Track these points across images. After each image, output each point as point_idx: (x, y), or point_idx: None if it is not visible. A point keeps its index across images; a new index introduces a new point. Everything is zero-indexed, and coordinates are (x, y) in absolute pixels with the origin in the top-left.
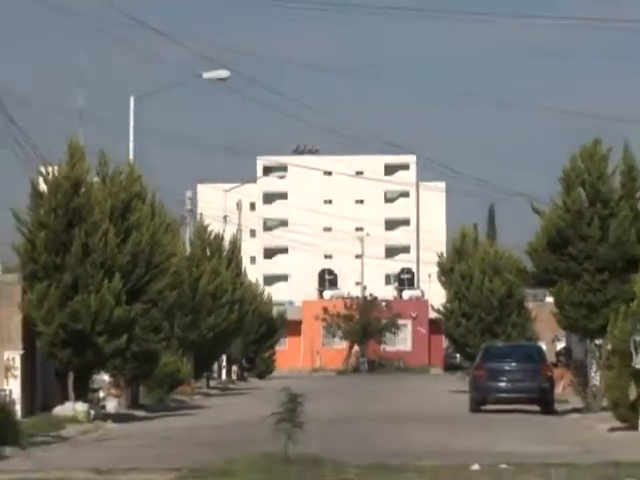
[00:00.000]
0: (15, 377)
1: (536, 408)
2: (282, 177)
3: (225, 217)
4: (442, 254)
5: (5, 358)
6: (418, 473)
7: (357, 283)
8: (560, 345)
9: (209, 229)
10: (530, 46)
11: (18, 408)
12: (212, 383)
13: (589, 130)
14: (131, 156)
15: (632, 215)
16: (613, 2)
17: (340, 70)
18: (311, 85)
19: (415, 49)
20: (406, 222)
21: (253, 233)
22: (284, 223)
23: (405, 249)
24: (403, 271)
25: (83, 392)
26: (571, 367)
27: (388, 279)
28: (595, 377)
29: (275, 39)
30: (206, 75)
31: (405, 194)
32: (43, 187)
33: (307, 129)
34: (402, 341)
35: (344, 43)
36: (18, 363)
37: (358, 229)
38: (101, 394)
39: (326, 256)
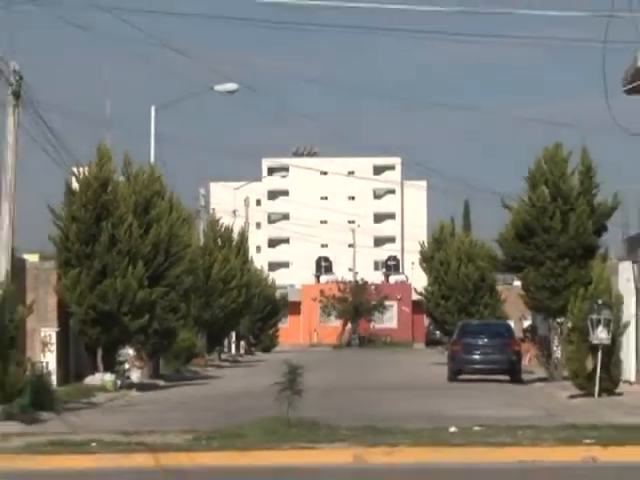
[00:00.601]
0: (51, 351)
1: (505, 378)
2: (284, 176)
3: (234, 212)
4: (423, 244)
5: (42, 335)
6: (403, 434)
7: (349, 269)
8: (526, 323)
9: (220, 222)
10: (503, 62)
11: (54, 378)
12: (223, 356)
13: (553, 135)
14: (152, 158)
15: (589, 210)
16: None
17: (334, 82)
18: (308, 96)
19: (402, 65)
20: (392, 216)
21: (259, 225)
22: (286, 217)
23: (391, 239)
24: (389, 259)
25: (110, 364)
26: (536, 342)
27: (376, 265)
28: (557, 351)
29: (276, 56)
30: (217, 88)
31: (391, 191)
32: (75, 186)
33: (306, 134)
34: (389, 319)
35: (337, 59)
36: (54, 339)
37: (350, 222)
38: (126, 366)
39: (322, 245)
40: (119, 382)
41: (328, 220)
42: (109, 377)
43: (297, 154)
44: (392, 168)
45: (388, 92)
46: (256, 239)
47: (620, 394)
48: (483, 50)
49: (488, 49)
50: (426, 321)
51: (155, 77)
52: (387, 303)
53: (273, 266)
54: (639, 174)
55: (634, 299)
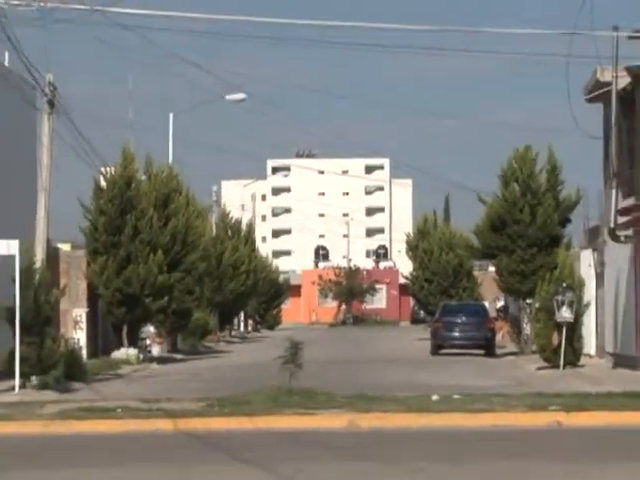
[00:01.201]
0: (82, 329)
1: (481, 352)
2: (286, 175)
3: (242, 206)
4: (409, 234)
5: (74, 315)
6: (392, 402)
7: (344, 256)
8: (499, 304)
9: (230, 215)
10: (481, 74)
11: (84, 353)
12: (233, 333)
13: (523, 138)
14: (170, 159)
15: (554, 204)
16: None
17: (330, 91)
18: (307, 103)
19: (392, 76)
20: (381, 210)
21: (264, 218)
22: (288, 210)
23: (381, 230)
24: (379, 247)
25: (134, 340)
26: (508, 321)
27: (368, 253)
28: (526, 328)
29: (277, 67)
30: (228, 97)
31: (381, 188)
32: (103, 183)
33: (305, 137)
34: (379, 301)
35: (335, 71)
36: (84, 318)
37: (345, 215)
38: (148, 342)
39: (320, 236)
40: (141, 356)
41: (325, 213)
42: (133, 351)
43: (298, 155)
44: (381, 168)
45: (378, 101)
46: (262, 230)
47: (582, 366)
48: (465, 63)
49: (470, 62)
50: (411, 302)
51: (173, 87)
52: (377, 286)
53: (277, 254)
54: (599, 172)
55: (594, 282)
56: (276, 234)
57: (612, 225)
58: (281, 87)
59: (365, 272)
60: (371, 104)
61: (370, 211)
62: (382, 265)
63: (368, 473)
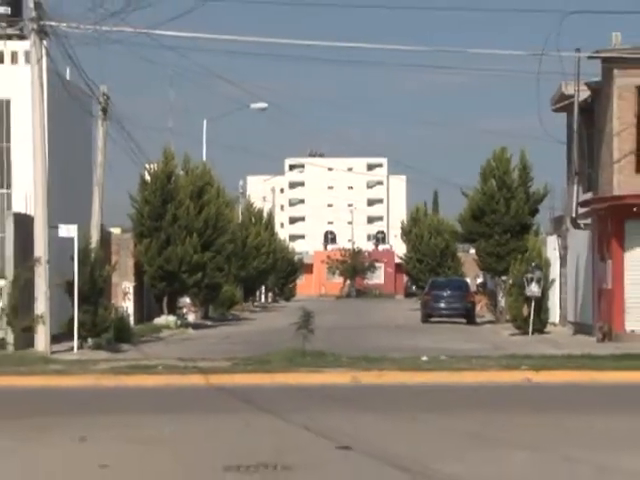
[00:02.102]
0: (129, 299)
1: (463, 320)
2: (301, 172)
3: (264, 198)
4: (403, 222)
5: (123, 287)
6: (388, 362)
7: (349, 240)
8: (479, 280)
9: (254, 205)
10: (465, 87)
11: (131, 319)
12: (255, 304)
13: (499, 142)
14: (204, 157)
15: (525, 197)
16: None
17: (337, 102)
18: (319, 112)
19: (391, 89)
20: (380, 201)
21: (282, 208)
22: (302, 201)
23: (380, 218)
24: (378, 232)
25: (173, 309)
26: (486, 294)
27: (369, 237)
28: (501, 301)
29: (294, 81)
30: (252, 106)
31: (380, 183)
32: (147, 178)
33: (316, 140)
34: (378, 277)
35: (342, 85)
36: (131, 290)
37: (349, 205)
38: (184, 310)
39: (329, 222)
40: (179, 322)
41: (333, 204)
42: (171, 318)
43: (310, 155)
44: (380, 166)
45: (379, 110)
46: (280, 218)
47: (548, 333)
48: (453, 78)
49: (457, 78)
50: (405, 278)
51: (206, 97)
52: (376, 265)
53: (292, 238)
54: (563, 171)
55: (558, 263)
56: (292, 221)
57: (573, 215)
58: (297, 98)
59: (366, 253)
60: (372, 112)
61: (371, 202)
62: (381, 247)
63: (369, 421)
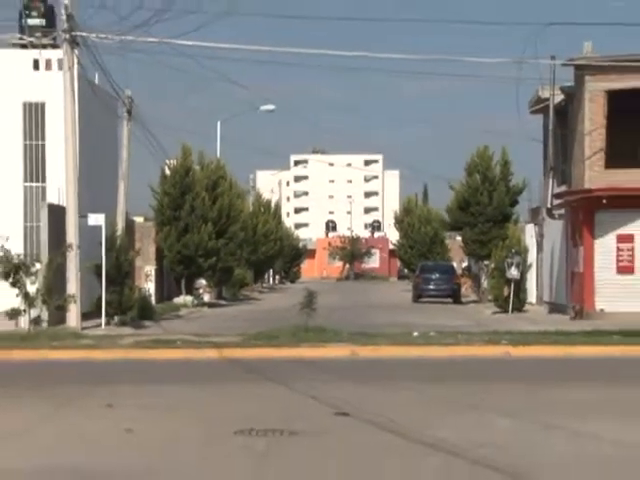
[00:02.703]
0: (151, 281)
1: (450, 300)
2: (305, 167)
3: (272, 190)
4: (397, 212)
5: (146, 270)
6: (383, 337)
7: (348, 228)
8: (464, 264)
9: (262, 197)
10: (454, 91)
11: (153, 299)
12: (264, 285)
13: (483, 140)
14: (218, 154)
15: (506, 190)
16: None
17: (337, 104)
18: (320, 112)
19: (386, 93)
20: (376, 193)
21: (288, 199)
22: (306, 193)
23: (375, 209)
24: (374, 222)
25: (190, 290)
26: (470, 277)
27: (366, 226)
28: (484, 283)
29: (298, 85)
30: (261, 108)
31: (376, 177)
32: (167, 172)
33: (319, 138)
34: (373, 261)
35: (341, 89)
36: (153, 273)
37: (348, 197)
38: (200, 291)
39: (330, 212)
40: (195, 301)
41: (334, 196)
42: (189, 298)
43: (314, 152)
44: (376, 162)
45: (375, 111)
46: (286, 208)
47: (526, 311)
48: (444, 83)
49: (448, 82)
50: (398, 263)
51: (220, 100)
52: (372, 251)
53: (297, 226)
54: (539, 166)
55: (535, 249)
56: (297, 211)
57: (549, 206)
58: (301, 100)
59: (363, 240)
60: (370, 113)
61: (367, 194)
62: (376, 235)
63: (366, 390)
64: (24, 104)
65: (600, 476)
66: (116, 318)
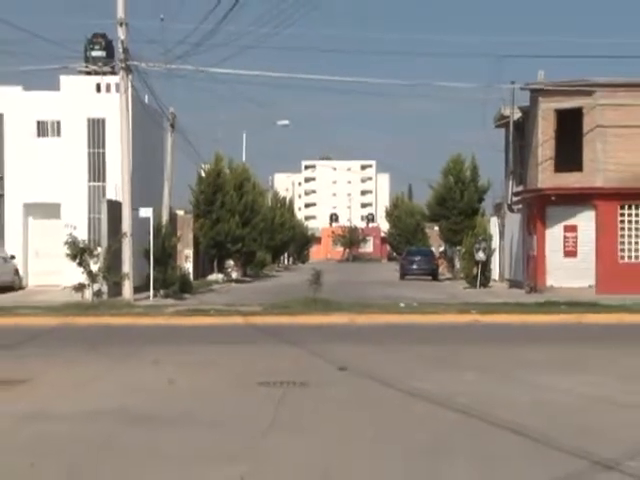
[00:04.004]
0: (189, 262)
1: (430, 278)
2: (313, 170)
3: (286, 189)
4: (387, 207)
5: (185, 253)
6: (376, 307)
7: (347, 219)
8: (441, 249)
9: (279, 194)
10: (433, 110)
11: (191, 276)
12: (280, 265)
13: (457, 149)
14: (244, 159)
15: (475, 188)
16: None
17: (340, 119)
18: (326, 126)
19: (381, 112)
20: (370, 192)
21: (299, 196)
22: (314, 192)
23: (370, 204)
24: (369, 214)
25: (221, 269)
26: (446, 259)
27: (362, 218)
28: (457, 264)
29: (308, 104)
30: (278, 123)
31: (370, 178)
32: (202, 174)
33: (324, 147)
34: (368, 246)
35: (343, 106)
36: (191, 255)
37: (348, 194)
38: (229, 270)
39: (333, 207)
40: (225, 278)
41: (336, 194)
42: (220, 276)
43: (321, 158)
44: (370, 166)
45: (370, 125)
46: (297, 203)
47: (490, 287)
48: (425, 103)
49: (426, 102)
50: (388, 247)
51: (245, 116)
52: (367, 238)
53: (307, 218)
54: (501, 170)
55: (498, 236)
56: (307, 206)
57: (509, 202)
58: (309, 116)
59: (360, 229)
60: (366, 127)
61: (363, 192)
62: (370, 225)
63: (361, 350)
64: (88, 120)
65: (552, 416)
66: (161, 291)
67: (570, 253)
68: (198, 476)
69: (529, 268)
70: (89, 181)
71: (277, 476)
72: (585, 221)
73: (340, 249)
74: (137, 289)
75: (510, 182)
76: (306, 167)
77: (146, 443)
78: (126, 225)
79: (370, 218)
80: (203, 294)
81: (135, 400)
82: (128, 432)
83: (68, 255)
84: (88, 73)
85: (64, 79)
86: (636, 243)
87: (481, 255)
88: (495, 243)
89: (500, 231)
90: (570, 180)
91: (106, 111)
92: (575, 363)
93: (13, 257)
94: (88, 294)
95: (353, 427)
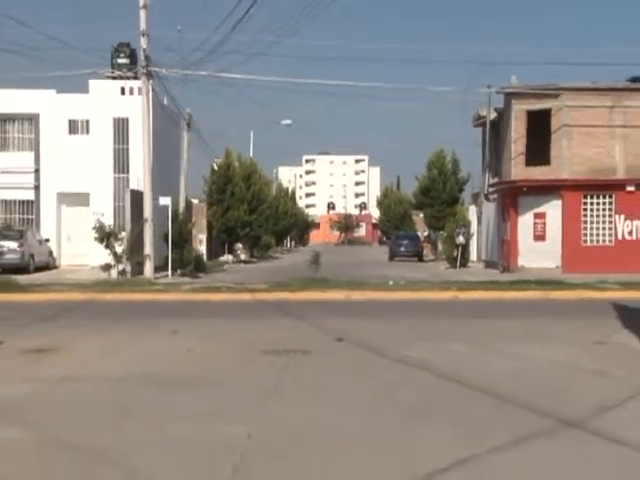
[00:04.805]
0: (203, 244)
1: (415, 259)
2: (313, 164)
3: (289, 180)
4: (378, 196)
5: (199, 237)
6: (368, 285)
7: (343, 208)
8: (425, 233)
9: (283, 185)
10: (420, 110)
11: (204, 257)
12: (283, 248)
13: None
14: (251, 154)
15: (455, 180)
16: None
17: (336, 120)
18: (326, 126)
19: (374, 110)
20: (363, 183)
21: (300, 187)
22: (314, 183)
23: (363, 194)
24: (362, 203)
25: (231, 251)
26: (430, 243)
27: (356, 206)
28: (440, 247)
29: (310, 104)
30: (282, 122)
31: (363, 171)
32: (215, 167)
33: (323, 143)
34: (361, 231)
35: (341, 106)
36: (205, 239)
37: (344, 185)
38: (238, 252)
39: (330, 196)
40: (234, 259)
41: (333, 185)
42: (230, 257)
43: (319, 152)
44: (363, 160)
45: (365, 124)
46: (299, 193)
47: (469, 267)
48: (410, 104)
49: (413, 103)
50: (379, 232)
51: (252, 116)
52: (360, 224)
53: (307, 206)
54: (479, 164)
55: (476, 222)
56: (307, 195)
57: (486, 192)
58: (309, 116)
59: (354, 216)
60: (360, 125)
61: (357, 183)
62: (363, 212)
63: (356, 323)
64: (114, 119)
65: (524, 380)
66: (178, 271)
67: (539, 237)
68: (209, 433)
69: (503, 250)
70: (114, 173)
71: (281, 433)
72: (552, 209)
73: (336, 234)
74: (157, 269)
75: (487, 174)
76: (306, 161)
77: (164, 403)
78: (147, 212)
79: (363, 206)
80: (215, 273)
81: (155, 366)
82: (149, 393)
83: (96, 238)
84: (114, 78)
85: (93, 83)
86: (597, 228)
87: (461, 239)
88: (473, 228)
89: (478, 218)
90: (539, 173)
91: (129, 111)
92: (543, 334)
93: (48, 240)
94: (114, 273)
95: (349, 390)
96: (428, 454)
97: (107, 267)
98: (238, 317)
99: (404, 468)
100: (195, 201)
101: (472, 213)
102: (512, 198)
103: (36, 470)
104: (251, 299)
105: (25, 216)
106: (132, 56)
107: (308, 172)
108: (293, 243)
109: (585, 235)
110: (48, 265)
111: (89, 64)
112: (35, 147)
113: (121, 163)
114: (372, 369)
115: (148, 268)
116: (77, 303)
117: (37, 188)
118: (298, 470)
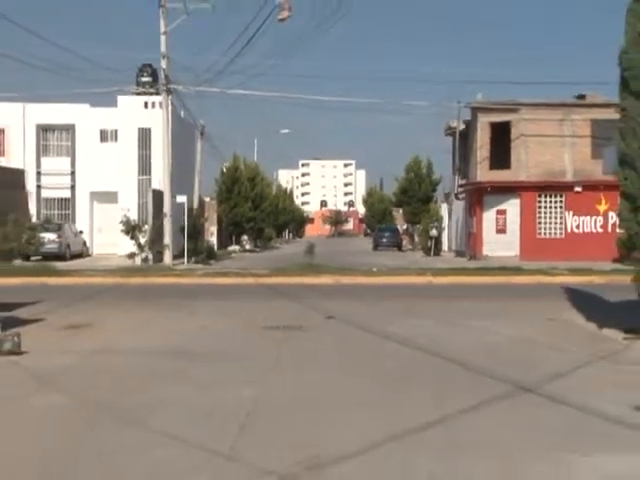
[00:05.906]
0: (214, 236)
1: (395, 249)
2: (308, 167)
3: (287, 181)
4: (364, 195)
5: (211, 230)
6: (355, 271)
7: (334, 205)
8: (404, 227)
9: (282, 186)
10: (400, 123)
11: (215, 247)
12: (283, 240)
13: (417, 152)
14: (255, 158)
15: (430, 182)
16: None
17: (328, 130)
18: (318, 135)
19: (360, 120)
20: (351, 184)
21: (297, 187)
22: (308, 184)
23: (350, 193)
24: (350, 201)
25: (238, 241)
26: (408, 235)
27: (344, 204)
28: (416, 239)
29: (305, 115)
30: (281, 131)
31: (350, 174)
32: (224, 170)
33: (316, 150)
34: (349, 225)
35: (331, 116)
36: (215, 231)
37: (334, 186)
38: (244, 242)
39: (323, 195)
40: (240, 249)
41: (325, 185)
42: (237, 247)
43: (313, 158)
44: (351, 164)
45: (352, 133)
46: (296, 193)
47: (441, 256)
48: (391, 117)
49: (396, 117)
50: (364, 226)
51: (256, 125)
52: (349, 219)
53: (303, 204)
54: (450, 167)
55: (447, 218)
56: (303, 194)
57: (455, 192)
58: (307, 125)
59: (343, 212)
60: (348, 134)
61: (346, 184)
62: (351, 209)
63: (345, 303)
64: (139, 129)
65: (488, 352)
66: (193, 258)
67: (501, 230)
68: (218, 395)
69: (470, 242)
70: (139, 175)
71: (281, 395)
72: (512, 207)
73: (328, 227)
74: (175, 257)
75: (456, 177)
76: (302, 165)
77: (181, 371)
78: (166, 208)
79: (350, 204)
80: (224, 261)
81: (175, 339)
82: (167, 363)
83: (123, 231)
84: (138, 94)
85: (120, 98)
86: (550, 223)
87: (434, 232)
88: (445, 223)
89: (448, 214)
90: (501, 175)
91: (152, 122)
92: (504, 313)
93: (82, 232)
94: (138, 260)
95: (339, 360)
96: (408, 413)
97: (132, 255)
98: (243, 298)
99: (392, 422)
100: (207, 199)
101: (444, 210)
102: (478, 197)
103: (77, 427)
104: (254, 283)
105: (63, 211)
106: (154, 75)
107: (304, 174)
108: (291, 235)
109: (540, 229)
110: (82, 253)
111: (117, 82)
112: (71, 153)
113: (144, 166)
114: (359, 342)
115: (167, 256)
116: (107, 286)
117: (73, 188)
118: (298, 420)
